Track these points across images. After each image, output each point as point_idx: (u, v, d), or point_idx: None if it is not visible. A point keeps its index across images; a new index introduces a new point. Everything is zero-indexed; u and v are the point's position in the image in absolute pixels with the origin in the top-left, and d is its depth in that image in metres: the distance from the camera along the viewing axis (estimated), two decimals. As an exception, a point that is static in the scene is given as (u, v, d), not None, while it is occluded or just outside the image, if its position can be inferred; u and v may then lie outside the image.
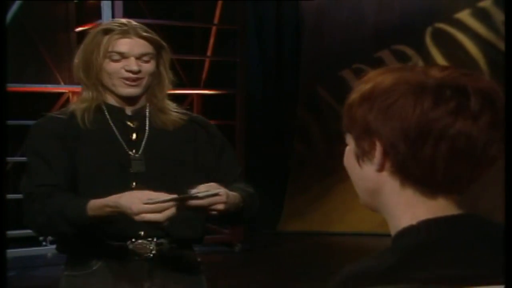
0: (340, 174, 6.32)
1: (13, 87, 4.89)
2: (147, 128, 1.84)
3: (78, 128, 1.79)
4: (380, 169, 0.87)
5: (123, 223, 1.74)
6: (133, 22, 1.82)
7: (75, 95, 5.95)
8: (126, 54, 1.76)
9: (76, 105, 1.84)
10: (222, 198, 1.65)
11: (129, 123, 1.84)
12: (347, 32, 6.76)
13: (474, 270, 0.80)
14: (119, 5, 5.28)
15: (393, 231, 0.89)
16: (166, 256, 1.82)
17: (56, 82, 5.95)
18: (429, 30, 6.54)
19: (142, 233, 1.79)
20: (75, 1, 6.08)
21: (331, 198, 6.58)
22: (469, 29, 6.42)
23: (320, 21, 6.96)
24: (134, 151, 1.81)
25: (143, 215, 1.58)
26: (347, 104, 0.90)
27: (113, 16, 5.25)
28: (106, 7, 5.27)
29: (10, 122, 4.28)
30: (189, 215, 1.82)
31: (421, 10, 6.52)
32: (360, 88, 0.89)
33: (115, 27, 1.78)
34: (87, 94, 1.82)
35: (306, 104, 7.05)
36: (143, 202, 1.58)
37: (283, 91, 7.03)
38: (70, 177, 1.77)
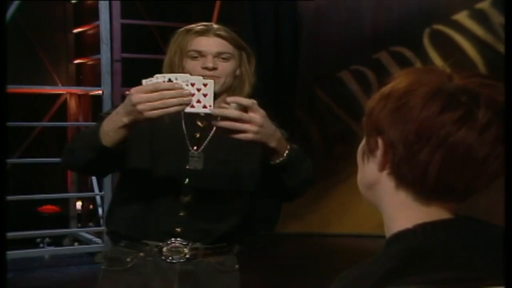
0: (338, 176, 6.32)
1: (10, 89, 4.88)
2: (214, 128, 1.82)
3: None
4: (381, 168, 0.87)
5: (163, 216, 1.79)
6: (215, 25, 1.85)
7: (72, 96, 5.94)
8: (204, 52, 1.79)
9: None
10: (254, 116, 1.55)
11: (198, 122, 1.86)
12: (345, 33, 6.76)
13: (472, 272, 0.79)
14: (116, 5, 5.27)
15: (387, 231, 0.89)
16: (199, 261, 1.83)
17: (53, 83, 5.95)
18: (427, 32, 6.54)
19: (179, 229, 1.81)
20: (73, 1, 6.07)
21: (330, 199, 6.58)
22: (467, 31, 6.43)
23: (318, 22, 6.96)
24: (195, 148, 1.83)
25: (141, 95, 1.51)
26: (369, 100, 0.90)
27: (110, 17, 5.25)
28: (103, 7, 5.26)
29: (7, 123, 4.27)
30: (228, 217, 1.85)
31: (419, 11, 6.52)
32: (384, 86, 0.88)
33: (195, 27, 1.83)
34: None
35: (304, 105, 7.04)
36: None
37: (281, 92, 7.02)
38: (126, 151, 1.71)
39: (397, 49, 6.60)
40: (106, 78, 5.28)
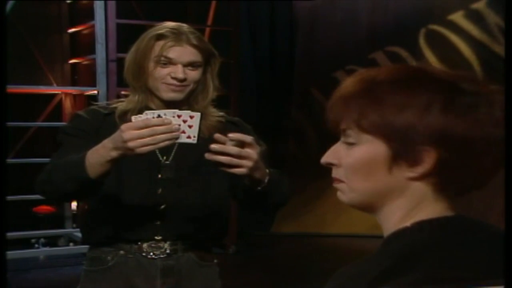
0: (334, 176, 6.33)
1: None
2: None
3: (115, 126, 1.75)
4: (421, 177, 0.85)
5: (139, 226, 1.80)
6: (186, 28, 1.81)
7: (67, 96, 5.93)
8: (174, 61, 1.77)
9: (121, 105, 1.85)
10: (251, 153, 1.58)
11: None
12: (340, 33, 6.77)
13: (469, 271, 0.79)
14: (112, 5, 5.26)
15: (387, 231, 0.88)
16: (179, 256, 1.85)
17: (48, 83, 5.93)
18: (422, 32, 6.55)
19: (160, 237, 1.82)
20: (68, 1, 6.05)
21: (325, 200, 6.58)
22: (463, 31, 6.44)
23: (313, 22, 6.97)
24: (165, 157, 1.83)
25: (132, 133, 1.52)
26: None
27: (106, 17, 5.24)
28: (99, 7, 5.26)
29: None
30: (208, 215, 1.85)
31: (415, 11, 6.53)
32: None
33: (169, 33, 1.78)
34: (133, 97, 1.84)
35: (300, 105, 7.05)
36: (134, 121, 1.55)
37: (277, 93, 7.02)
38: None
39: (393, 49, 6.61)
40: (101, 78, 5.27)
